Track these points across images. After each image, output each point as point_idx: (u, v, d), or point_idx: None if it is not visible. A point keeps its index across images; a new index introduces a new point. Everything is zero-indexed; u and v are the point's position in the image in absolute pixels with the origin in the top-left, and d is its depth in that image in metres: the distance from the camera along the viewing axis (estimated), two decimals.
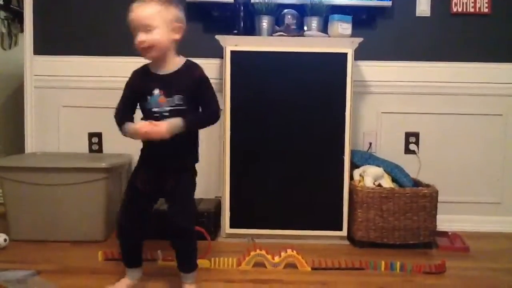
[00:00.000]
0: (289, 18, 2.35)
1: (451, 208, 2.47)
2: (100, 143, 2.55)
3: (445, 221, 2.37)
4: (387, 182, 2.23)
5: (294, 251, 1.86)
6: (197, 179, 2.49)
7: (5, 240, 2.03)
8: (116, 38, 2.45)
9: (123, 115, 1.62)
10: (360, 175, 2.27)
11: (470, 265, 1.95)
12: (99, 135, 2.54)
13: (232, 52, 2.18)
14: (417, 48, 2.50)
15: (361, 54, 2.32)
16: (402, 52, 2.50)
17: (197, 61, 2.43)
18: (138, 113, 1.65)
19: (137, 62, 2.47)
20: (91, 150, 2.53)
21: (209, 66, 2.46)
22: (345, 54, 2.16)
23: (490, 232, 2.46)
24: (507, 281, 1.78)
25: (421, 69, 2.49)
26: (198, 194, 2.48)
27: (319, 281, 1.73)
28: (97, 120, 2.54)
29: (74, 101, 2.54)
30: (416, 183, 2.30)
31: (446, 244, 2.20)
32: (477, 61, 2.48)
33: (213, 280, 1.72)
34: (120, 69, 2.50)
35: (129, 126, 1.55)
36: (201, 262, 1.85)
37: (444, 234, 2.32)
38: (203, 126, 1.62)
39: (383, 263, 1.87)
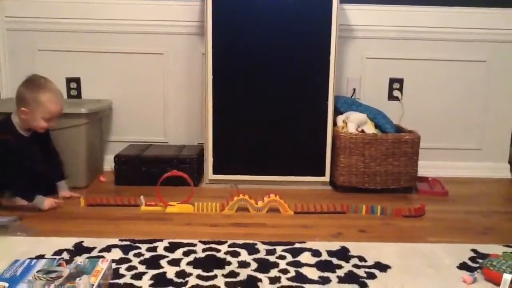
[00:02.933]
0: None
1: (433, 154, 2.51)
2: (78, 88, 2.48)
3: (426, 167, 2.41)
4: (370, 128, 2.24)
5: (277, 196, 1.87)
6: (180, 125, 2.50)
7: None
8: None
9: None
10: (344, 121, 2.27)
11: (447, 209, 1.99)
12: (77, 80, 2.47)
13: None
14: None
15: None
16: None
17: (176, 3, 2.39)
18: None
19: (117, 4, 2.40)
20: (69, 96, 2.47)
21: (188, 8, 2.40)
22: None
23: (470, 177, 2.51)
24: (481, 222, 1.84)
25: (406, 13, 2.43)
26: (181, 140, 2.50)
27: (301, 225, 1.75)
28: (75, 64, 2.46)
29: (51, 45, 2.44)
30: (399, 129, 2.31)
31: (426, 189, 2.25)
32: (462, 5, 2.44)
33: (197, 224, 1.73)
34: (98, 10, 2.42)
35: None
36: (185, 207, 1.87)
37: (424, 179, 2.36)
38: None
39: (364, 207, 1.90)
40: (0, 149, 1.79)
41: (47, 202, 1.83)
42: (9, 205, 1.86)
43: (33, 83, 1.83)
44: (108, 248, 1.48)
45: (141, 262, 1.39)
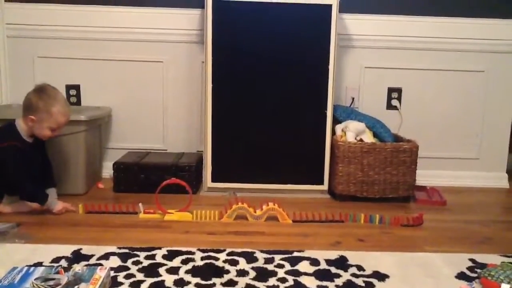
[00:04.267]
0: None
1: (431, 163, 2.51)
2: (78, 96, 2.49)
3: (425, 176, 2.42)
4: (368, 137, 2.25)
5: (276, 204, 1.87)
6: (179, 133, 2.50)
7: None
8: None
9: None
10: (342, 130, 2.28)
11: (446, 218, 2.00)
12: (77, 87, 2.48)
13: (214, 1, 2.11)
14: (402, 1, 2.46)
15: (346, 6, 2.28)
16: (387, 5, 2.45)
17: (176, 11, 2.41)
18: None
19: (117, 12, 2.41)
20: (69, 103, 2.47)
21: (188, 17, 2.42)
22: (330, 6, 2.11)
23: (468, 187, 2.52)
24: (479, 231, 1.84)
25: (405, 23, 2.45)
26: (180, 148, 2.51)
27: (300, 233, 1.75)
28: (75, 71, 2.47)
29: (50, 52, 2.45)
30: (397, 138, 2.32)
31: (424, 198, 2.25)
32: (461, 16, 2.46)
33: (195, 232, 1.73)
34: (98, 18, 2.43)
35: None
36: (184, 215, 1.87)
37: (422, 188, 2.37)
38: None
39: (362, 215, 1.90)
40: (8, 155, 1.80)
41: (59, 205, 1.87)
42: (8, 211, 1.86)
43: (45, 93, 1.85)
44: (106, 256, 1.47)
45: (139, 270, 1.38)
